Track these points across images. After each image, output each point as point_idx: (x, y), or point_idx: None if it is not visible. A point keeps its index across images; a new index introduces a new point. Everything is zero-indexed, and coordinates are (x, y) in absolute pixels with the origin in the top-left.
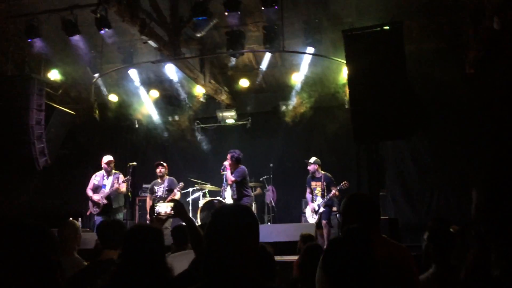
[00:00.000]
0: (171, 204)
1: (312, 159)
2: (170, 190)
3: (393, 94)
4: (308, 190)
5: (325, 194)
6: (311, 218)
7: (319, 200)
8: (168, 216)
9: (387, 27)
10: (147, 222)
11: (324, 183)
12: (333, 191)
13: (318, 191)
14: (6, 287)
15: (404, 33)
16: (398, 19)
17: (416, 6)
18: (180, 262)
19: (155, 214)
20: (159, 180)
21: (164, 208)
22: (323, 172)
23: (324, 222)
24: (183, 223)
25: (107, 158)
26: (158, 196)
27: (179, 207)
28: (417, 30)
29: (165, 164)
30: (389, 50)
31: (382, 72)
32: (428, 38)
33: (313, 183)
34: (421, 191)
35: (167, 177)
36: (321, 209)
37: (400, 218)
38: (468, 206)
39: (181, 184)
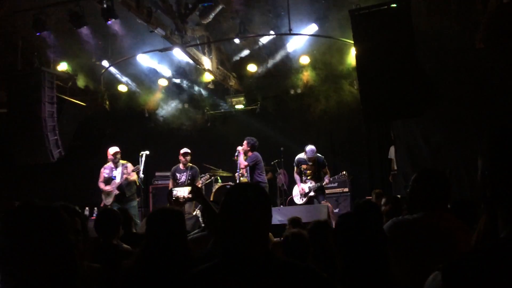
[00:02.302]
0: (189, 188)
1: (312, 149)
2: (192, 179)
3: (402, 72)
4: (296, 170)
5: (316, 176)
6: (299, 200)
7: (310, 183)
8: (186, 199)
9: (394, 5)
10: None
11: (316, 166)
12: (326, 180)
13: (309, 173)
14: (26, 269)
15: (412, 10)
16: None
17: None
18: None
19: (173, 198)
20: (181, 167)
21: (182, 192)
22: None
23: (323, 202)
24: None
25: (113, 149)
26: (181, 183)
27: (197, 191)
28: (425, 7)
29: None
30: (397, 28)
31: (390, 51)
32: (437, 14)
33: (303, 166)
34: None
35: (190, 165)
36: (312, 193)
37: None
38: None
39: (206, 175)
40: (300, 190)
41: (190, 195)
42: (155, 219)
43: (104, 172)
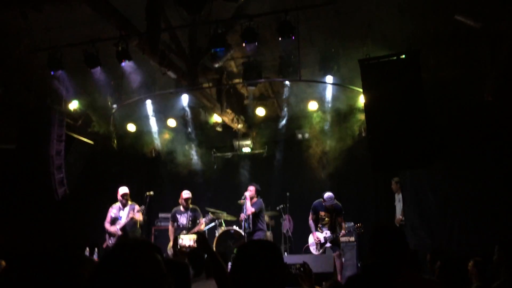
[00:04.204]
0: (195, 236)
1: (330, 196)
2: (194, 220)
3: (411, 122)
4: (312, 216)
5: (334, 225)
6: (315, 251)
7: (326, 232)
8: (191, 249)
9: (403, 56)
10: (168, 251)
11: (334, 214)
12: (343, 231)
13: (326, 221)
14: None
15: (421, 61)
16: (414, 48)
17: (432, 34)
18: None
19: (178, 247)
20: (181, 208)
21: (187, 240)
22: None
23: (337, 253)
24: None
25: (122, 190)
26: (182, 225)
27: (203, 240)
28: (434, 59)
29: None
30: (406, 78)
31: (399, 100)
32: (445, 66)
33: (322, 213)
34: (441, 222)
35: (191, 206)
36: (328, 245)
37: (420, 249)
38: (490, 237)
39: (210, 216)
40: (316, 239)
41: (195, 244)
42: None
43: (112, 211)
